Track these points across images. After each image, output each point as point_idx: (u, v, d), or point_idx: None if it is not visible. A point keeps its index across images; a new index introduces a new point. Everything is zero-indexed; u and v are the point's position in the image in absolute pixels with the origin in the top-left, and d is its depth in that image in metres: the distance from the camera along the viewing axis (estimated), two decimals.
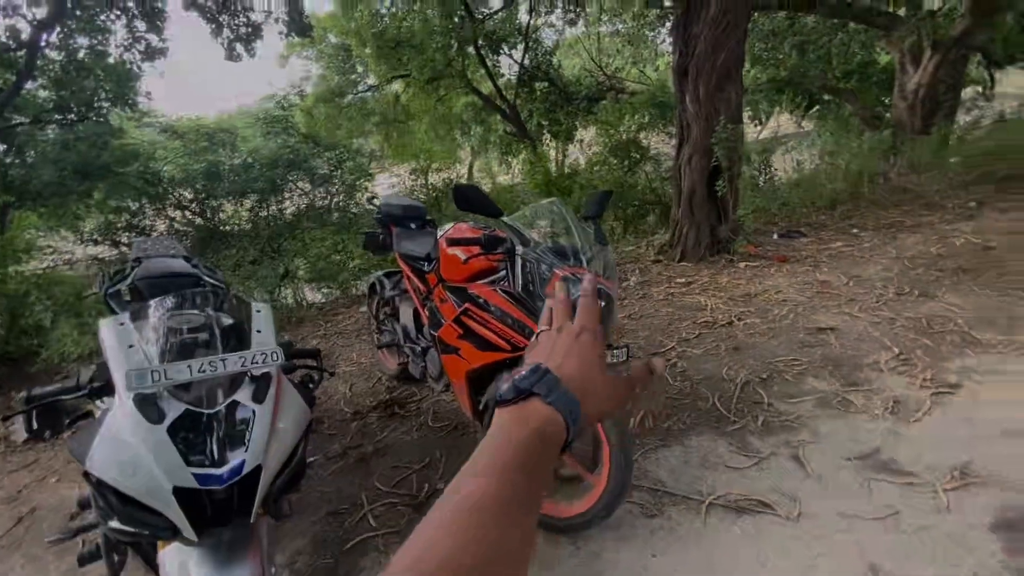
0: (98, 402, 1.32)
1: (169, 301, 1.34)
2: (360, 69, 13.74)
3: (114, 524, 1.11)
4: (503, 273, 1.89)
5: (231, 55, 9.53)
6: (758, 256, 4.33)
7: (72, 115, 7.61)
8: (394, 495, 2.17)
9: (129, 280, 2.10)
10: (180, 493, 1.07)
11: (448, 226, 2.42)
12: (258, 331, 1.35)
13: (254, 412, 1.19)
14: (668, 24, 9.05)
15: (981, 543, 1.63)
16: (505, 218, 1.76)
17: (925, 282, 3.48)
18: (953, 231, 4.38)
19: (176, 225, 5.75)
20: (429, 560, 0.32)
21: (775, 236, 4.93)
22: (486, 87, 13.30)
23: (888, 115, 9.04)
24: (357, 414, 2.80)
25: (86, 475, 1.19)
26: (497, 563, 0.33)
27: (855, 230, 4.84)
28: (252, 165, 5.99)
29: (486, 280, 1.93)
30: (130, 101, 8.37)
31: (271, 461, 1.18)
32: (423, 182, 7.80)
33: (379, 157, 13.79)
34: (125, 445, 1.08)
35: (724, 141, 4.07)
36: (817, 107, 12.56)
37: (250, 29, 9.49)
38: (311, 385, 1.63)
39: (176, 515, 1.06)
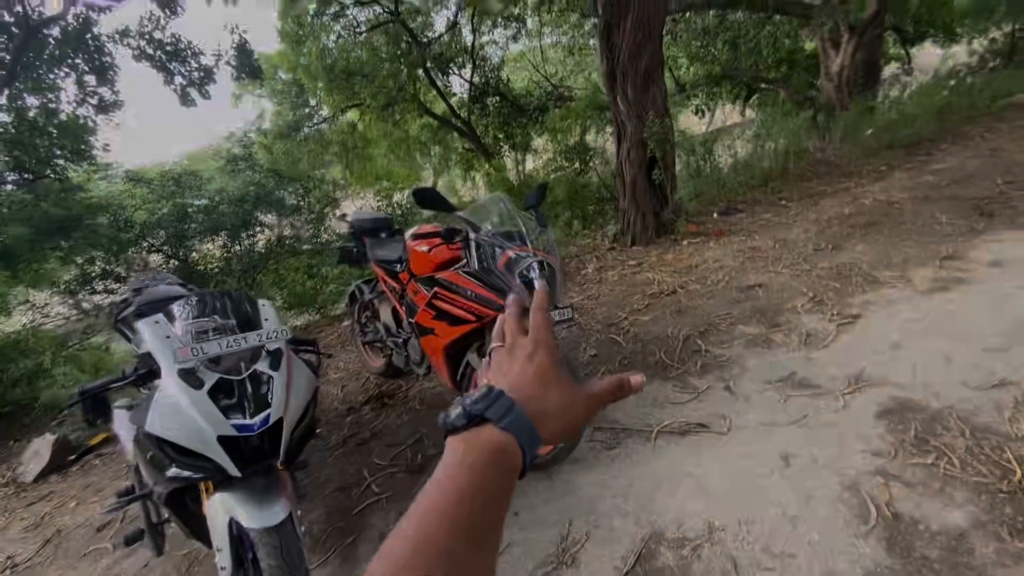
0: (143, 389, 1.59)
1: (193, 300, 1.64)
2: (313, 102, 14.01)
3: (171, 472, 1.41)
4: (463, 260, 2.25)
5: (185, 100, 9.71)
6: (699, 234, 4.80)
7: (29, 175, 7.66)
8: (392, 467, 2.47)
9: (133, 307, 2.38)
10: (223, 441, 1.37)
11: (412, 229, 2.76)
12: (266, 319, 1.67)
13: (272, 377, 1.51)
14: None
15: (870, 428, 2.04)
16: (459, 212, 2.12)
17: (838, 237, 3.98)
18: (864, 193, 4.94)
19: (155, 265, 5.92)
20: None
21: (715, 215, 5.42)
22: (439, 107, 13.76)
23: (816, 96, 9.83)
24: (351, 410, 3.09)
25: (137, 443, 1.48)
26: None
27: (783, 201, 5.38)
28: (219, 204, 6.21)
29: (452, 268, 2.27)
30: (87, 155, 8.45)
31: (290, 414, 1.50)
32: (388, 202, 8.11)
33: (343, 185, 14.02)
34: (176, 408, 1.38)
35: (656, 134, 4.54)
36: (756, 96, 13.39)
37: (202, 73, 9.71)
38: (314, 369, 1.94)
39: (221, 457, 1.37)
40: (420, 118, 14.02)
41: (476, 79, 13.20)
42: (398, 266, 2.72)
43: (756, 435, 2.15)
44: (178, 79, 9.65)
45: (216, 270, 6.25)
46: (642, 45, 4.45)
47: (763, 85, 12.58)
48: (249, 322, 1.64)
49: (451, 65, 12.87)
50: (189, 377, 1.41)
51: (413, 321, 2.41)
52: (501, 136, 13.74)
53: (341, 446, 2.76)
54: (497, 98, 13.49)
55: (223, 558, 1.48)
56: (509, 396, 0.43)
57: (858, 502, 1.74)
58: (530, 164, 12.80)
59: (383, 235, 3.07)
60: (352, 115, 14.00)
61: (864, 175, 5.59)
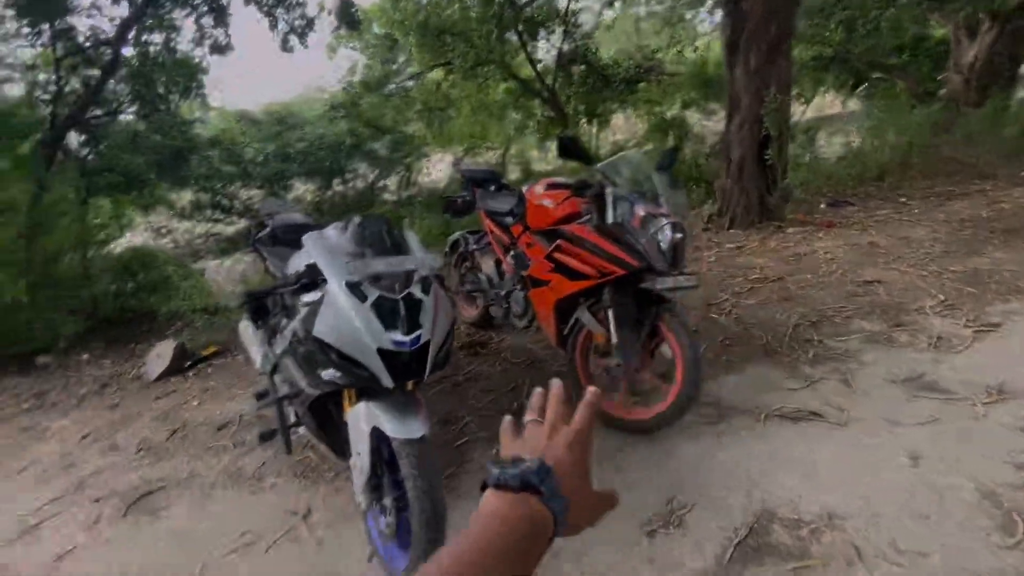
0: (305, 296, 1.70)
1: (356, 220, 1.72)
2: (402, 59, 14.16)
3: (327, 375, 1.52)
4: (586, 217, 2.23)
5: (285, 46, 10.08)
6: (806, 223, 4.52)
7: (152, 107, 8.29)
8: (488, 410, 2.55)
9: (269, 229, 2.54)
10: (380, 352, 1.46)
11: (532, 183, 2.75)
12: (414, 248, 1.73)
13: (423, 301, 1.57)
14: (707, 3, 9.07)
15: (1013, 441, 1.88)
16: (598, 165, 2.09)
17: (973, 242, 3.63)
18: (1004, 197, 4.45)
19: (253, 204, 6.31)
20: None
21: (822, 206, 5.08)
22: (524, 72, 13.54)
23: (942, 90, 8.87)
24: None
25: (292, 347, 1.58)
26: None
27: (903, 199, 4.95)
28: (318, 149, 6.47)
29: (576, 222, 2.26)
30: (199, 93, 9.01)
31: (436, 337, 1.56)
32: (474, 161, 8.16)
33: (421, 144, 14.24)
34: (342, 317, 1.47)
35: (774, 112, 4.26)
36: (865, 85, 12.26)
37: (304, 22, 10.02)
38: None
39: (378, 367, 1.45)
40: (504, 81, 13.87)
41: (565, 46, 12.85)
42: (509, 218, 2.74)
43: (879, 430, 2.04)
44: (282, 25, 10.00)
45: (310, 211, 6.57)
46: (773, 12, 4.14)
47: (877, 74, 11.46)
48: (399, 248, 1.71)
49: (541, 29, 12.57)
50: (355, 290, 1.49)
51: (525, 274, 2.43)
52: (583, 107, 13.37)
53: (438, 384, 2.87)
54: (584, 67, 13.09)
55: (362, 461, 1.59)
56: (556, 476, 0.44)
57: (1000, 513, 1.62)
58: (603, 139, 12.43)
59: (492, 187, 3.10)
60: (438, 74, 14.06)
61: (1002, 178, 5.03)
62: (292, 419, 1.98)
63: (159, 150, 7.37)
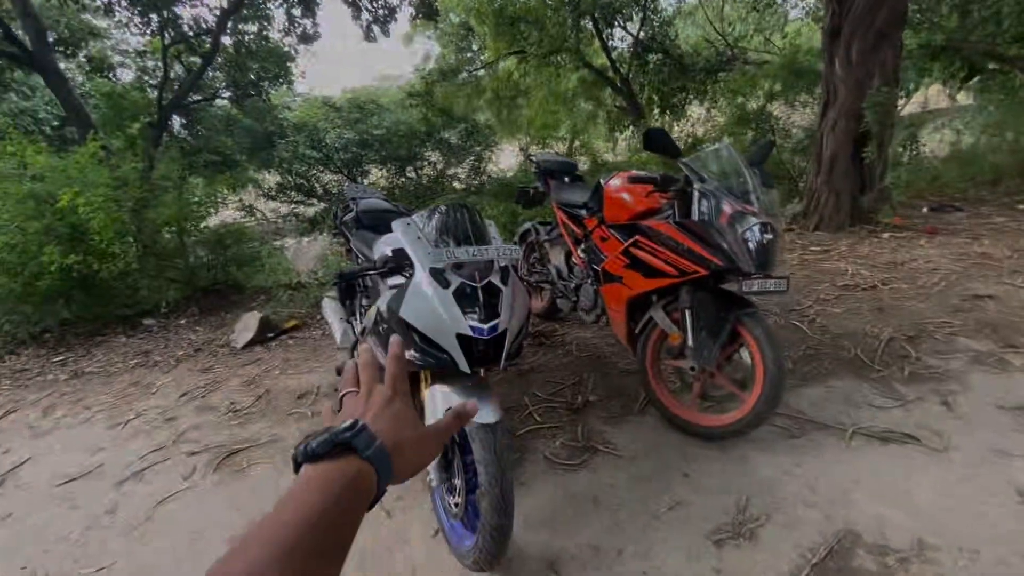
0: (390, 279, 1.77)
1: (442, 209, 1.77)
2: (476, 47, 14.27)
3: (408, 355, 1.57)
4: (667, 212, 2.16)
5: (368, 36, 10.43)
6: (904, 228, 4.15)
7: (252, 92, 8.88)
8: (552, 401, 2.55)
9: (354, 213, 2.65)
10: (459, 338, 1.49)
11: (609, 175, 2.70)
12: (494, 238, 1.75)
13: (502, 291, 1.59)
14: None
15: None
16: (685, 159, 2.01)
17: None
18: None
19: (333, 186, 6.62)
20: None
21: (924, 210, 4.64)
22: (598, 60, 13.24)
23: None
24: None
25: (398, 321, 1.64)
26: None
27: (1022, 206, 4.42)
28: (394, 136, 6.68)
29: (657, 217, 2.19)
30: (287, 80, 9.53)
31: (513, 326, 1.58)
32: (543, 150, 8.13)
33: (491, 133, 14.35)
34: (426, 301, 1.52)
35: (877, 105, 3.92)
36: (978, 77, 10.99)
37: (386, 11, 10.31)
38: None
39: (456, 351, 1.49)
40: (577, 70, 13.65)
41: (642, 33, 12.44)
42: (582, 211, 2.70)
43: (983, 460, 1.85)
44: (365, 15, 10.35)
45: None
46: None
47: (993, 64, 10.21)
48: (481, 237, 1.74)
49: (618, 16, 12.21)
50: (439, 276, 1.53)
51: (599, 268, 2.40)
52: (656, 97, 12.92)
53: (502, 372, 2.91)
54: (661, 55, 12.62)
55: None
56: (371, 430, 0.45)
57: None
58: (678, 131, 11.95)
59: (566, 179, 3.07)
60: (511, 63, 14.05)
61: None
62: None
63: (250, 134, 7.90)
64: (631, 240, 2.17)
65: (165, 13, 7.96)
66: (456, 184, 6.82)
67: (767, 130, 6.45)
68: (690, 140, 7.76)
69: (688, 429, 2.15)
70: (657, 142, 1.93)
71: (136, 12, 7.83)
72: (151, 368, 3.76)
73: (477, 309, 1.53)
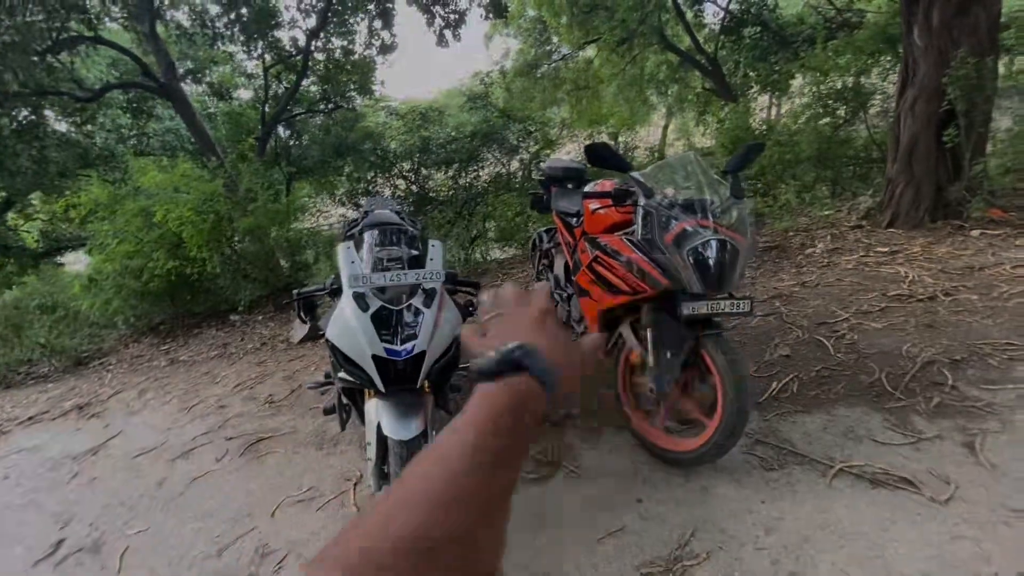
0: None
1: (376, 235, 1.89)
2: (555, 40, 14.16)
3: (342, 375, 1.71)
4: (634, 227, 2.06)
5: (441, 41, 10.82)
6: (1004, 223, 3.47)
7: (331, 105, 9.70)
8: None
9: (360, 226, 2.86)
10: (376, 359, 1.59)
11: (593, 183, 2.63)
12: (431, 259, 1.82)
13: (424, 313, 1.66)
14: None
15: None
16: (634, 173, 1.91)
17: None
18: None
19: (398, 192, 7.04)
20: (382, 538, 0.31)
21: None
22: (683, 42, 12.47)
23: None
24: None
25: (327, 343, 1.81)
26: (457, 541, 0.33)
27: None
28: (455, 139, 6.91)
29: (621, 232, 2.11)
30: (369, 90, 10.22)
31: (433, 349, 1.65)
32: (614, 146, 7.93)
33: (568, 125, 14.22)
34: (347, 324, 1.64)
35: (962, 79, 3.30)
36: None
37: (457, 16, 10.61)
38: (470, 307, 2.08)
39: (372, 372, 1.59)
40: (659, 54, 12.99)
41: (734, 5, 11.49)
42: (575, 220, 2.65)
43: (992, 520, 1.56)
44: (437, 21, 10.73)
45: (444, 198, 7.10)
46: None
47: None
48: (419, 259, 1.83)
49: None
50: (359, 300, 1.65)
51: (575, 280, 2.36)
52: (753, 74, 11.88)
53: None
54: (757, 28, 11.58)
55: (371, 451, 1.77)
56: (538, 348, 0.45)
57: None
58: (786, 108, 10.87)
59: (570, 185, 3.01)
60: (591, 51, 13.76)
61: None
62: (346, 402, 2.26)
63: (335, 143, 8.66)
64: (594, 255, 2.11)
65: (265, 39, 8.94)
66: (513, 183, 6.89)
67: (856, 108, 5.67)
68: (770, 122, 7.04)
69: (654, 451, 2.06)
70: (600, 157, 1.85)
71: (240, 41, 8.88)
72: (224, 359, 4.35)
73: (397, 331, 1.62)
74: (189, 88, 10.35)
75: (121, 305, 5.33)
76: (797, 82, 10.93)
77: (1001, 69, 4.64)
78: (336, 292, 1.84)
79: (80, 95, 7.83)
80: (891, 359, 2.37)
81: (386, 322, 1.64)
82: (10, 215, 10.01)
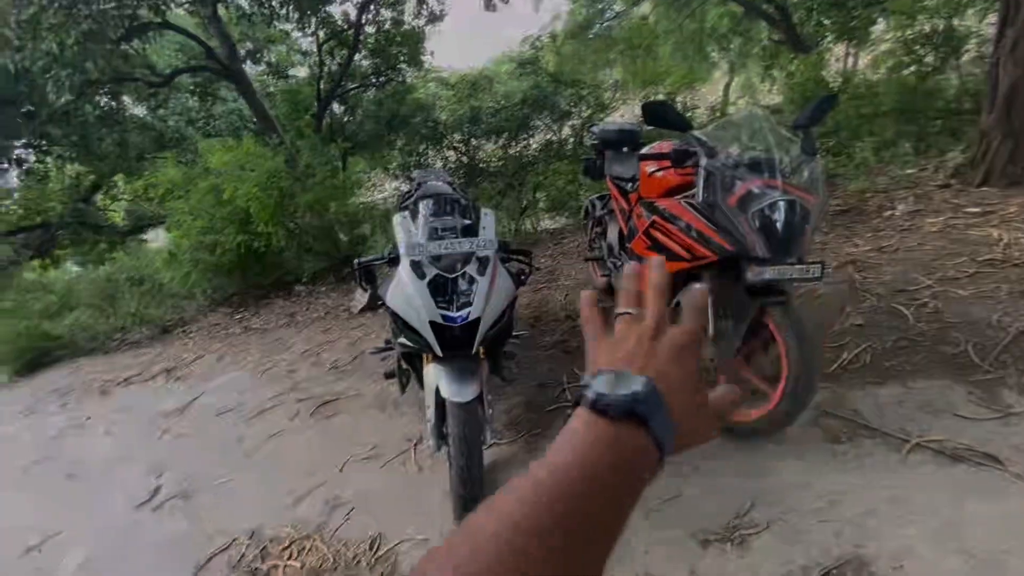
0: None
1: (431, 205, 1.92)
2: None
3: (401, 340, 1.78)
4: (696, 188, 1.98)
5: (488, 6, 10.57)
6: None
7: (383, 78, 9.78)
8: None
9: (414, 197, 2.91)
10: (433, 325, 1.64)
11: (649, 146, 2.52)
12: (483, 228, 1.84)
13: (477, 280, 1.69)
14: None
15: None
16: (695, 132, 1.82)
17: None
18: None
19: (449, 164, 7.08)
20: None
21: None
22: None
23: None
24: (568, 317, 3.28)
25: (387, 309, 1.88)
26: None
27: None
28: (504, 107, 6.82)
29: (680, 196, 2.03)
30: (419, 62, 10.19)
31: (487, 315, 1.68)
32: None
33: (623, 87, 13.64)
34: (405, 290, 1.70)
35: None
36: None
37: None
38: (523, 276, 2.10)
39: (430, 337, 1.65)
40: (720, 5, 12.12)
41: None
42: (630, 185, 2.58)
43: None
44: None
45: (494, 169, 7.08)
46: None
47: None
48: (472, 228, 1.85)
49: None
50: (416, 268, 1.70)
51: (629, 247, 2.31)
52: (828, 22, 10.88)
53: (553, 347, 2.99)
54: None
55: (430, 413, 1.85)
56: (663, 397, 0.36)
57: None
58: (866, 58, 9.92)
59: (625, 149, 2.91)
60: (646, 7, 13.05)
61: None
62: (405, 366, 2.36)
63: (387, 117, 8.77)
64: (651, 220, 2.05)
65: (317, 14, 9.07)
66: (565, 151, 6.75)
67: (948, 54, 5.09)
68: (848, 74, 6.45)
69: None
70: (659, 117, 1.77)
71: (295, 18, 9.05)
72: (292, 327, 4.63)
73: (450, 298, 1.66)
74: (250, 69, 10.73)
75: (199, 278, 5.76)
76: (879, 27, 9.92)
77: None
78: (394, 261, 1.90)
79: (153, 80, 8.30)
80: (979, 329, 2.18)
81: (442, 289, 1.68)
82: (99, 197, 10.89)
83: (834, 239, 3.37)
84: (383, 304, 2.04)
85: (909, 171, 4.29)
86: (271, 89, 11.70)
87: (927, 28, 5.33)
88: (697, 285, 0.44)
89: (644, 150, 2.38)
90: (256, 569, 1.96)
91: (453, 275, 1.70)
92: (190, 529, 2.27)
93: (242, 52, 10.38)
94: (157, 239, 11.31)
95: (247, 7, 8.33)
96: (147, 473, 2.76)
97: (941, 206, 3.43)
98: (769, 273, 1.65)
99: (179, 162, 6.43)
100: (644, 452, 0.35)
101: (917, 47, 5.42)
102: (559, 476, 0.32)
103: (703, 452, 1.94)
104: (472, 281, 1.69)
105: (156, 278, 6.73)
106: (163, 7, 6.81)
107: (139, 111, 9.81)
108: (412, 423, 2.65)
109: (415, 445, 2.45)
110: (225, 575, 1.98)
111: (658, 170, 2.14)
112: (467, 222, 1.90)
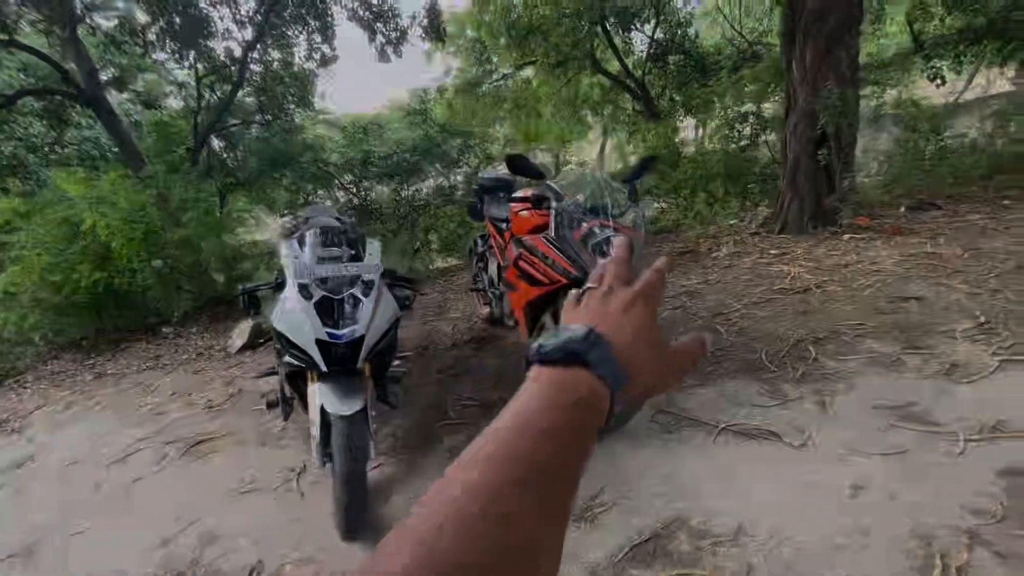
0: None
1: (319, 235, 2.08)
2: (495, 59, 14.66)
3: (286, 359, 1.88)
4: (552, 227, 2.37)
5: (382, 57, 10.98)
6: (869, 228, 4.11)
7: (268, 116, 9.60)
8: (473, 399, 2.80)
9: (299, 232, 3.00)
10: (319, 343, 1.78)
11: (520, 192, 2.93)
12: (369, 254, 2.04)
13: (362, 301, 1.87)
14: None
15: (981, 483, 1.71)
16: (549, 181, 2.23)
17: None
18: None
19: (340, 205, 7.12)
20: (428, 567, 0.26)
21: (902, 209, 4.54)
22: (614, 66, 13.32)
23: None
24: (454, 346, 3.51)
25: (271, 332, 1.97)
26: (511, 564, 0.28)
27: (1007, 202, 4.26)
28: (396, 152, 7.10)
29: (542, 233, 2.41)
30: (308, 103, 10.19)
31: (372, 333, 1.85)
32: (555, 162, 8.37)
33: (512, 142, 14.65)
34: (293, 312, 1.82)
35: (830, 107, 3.92)
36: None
37: (398, 33, 10.83)
38: (407, 301, 2.31)
39: (316, 355, 1.78)
40: (592, 76, 13.78)
41: (659, 35, 12.43)
42: (505, 225, 2.94)
43: (834, 457, 1.95)
44: (379, 38, 10.90)
45: (386, 210, 7.25)
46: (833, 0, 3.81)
47: None
48: (358, 256, 2.03)
49: (635, 20, 12.26)
50: (303, 290, 1.83)
51: (504, 276, 2.63)
52: (679, 98, 12.83)
53: (438, 373, 3.18)
54: (680, 56, 12.56)
55: (315, 431, 1.94)
56: (608, 342, 0.39)
57: (924, 555, 1.53)
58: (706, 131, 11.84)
59: (502, 195, 3.31)
60: (529, 71, 14.36)
61: None
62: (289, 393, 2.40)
63: (272, 154, 8.59)
64: (518, 253, 2.40)
65: (197, 49, 8.75)
66: (453, 196, 7.15)
67: (758, 131, 6.41)
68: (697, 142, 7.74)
69: None
70: (520, 167, 2.15)
71: (172, 50, 8.65)
72: (157, 370, 4.27)
73: (335, 317, 1.82)
74: (113, 97, 9.90)
75: (38, 320, 5.07)
76: (719, 106, 11.95)
77: (873, 101, 5.45)
78: (281, 286, 2.01)
79: None
80: (770, 340, 2.80)
81: (328, 309, 1.83)
82: None
83: (674, 276, 4.03)
84: (264, 341, 2.10)
85: (732, 221, 5.27)
86: (135, 118, 10.83)
87: (742, 109, 6.68)
88: (663, 256, 0.51)
89: (515, 194, 2.75)
90: None
91: (339, 296, 1.86)
92: None
93: (105, 77, 9.60)
94: None
95: (117, 35, 7.83)
96: None
97: (752, 248, 4.29)
98: None
99: (15, 195, 5.71)
100: (593, 391, 0.37)
101: (737, 124, 6.75)
102: (518, 420, 0.34)
103: None
104: (357, 302, 1.86)
105: None
106: (11, 24, 6.20)
107: None
108: (295, 454, 2.64)
109: (299, 474, 2.46)
110: None
111: (523, 210, 2.52)
112: (352, 252, 2.09)
